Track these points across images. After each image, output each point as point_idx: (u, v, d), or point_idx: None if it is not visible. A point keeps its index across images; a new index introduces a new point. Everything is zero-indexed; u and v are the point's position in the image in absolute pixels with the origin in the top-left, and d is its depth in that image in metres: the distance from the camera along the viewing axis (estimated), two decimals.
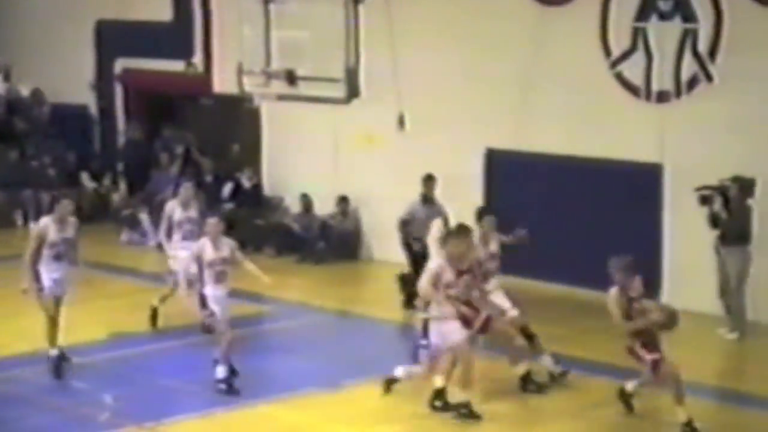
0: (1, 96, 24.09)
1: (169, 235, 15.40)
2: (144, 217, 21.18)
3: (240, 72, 15.96)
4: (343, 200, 19.84)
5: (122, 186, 22.94)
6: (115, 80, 23.38)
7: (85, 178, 23.27)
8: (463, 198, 17.85)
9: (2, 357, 13.83)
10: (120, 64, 23.16)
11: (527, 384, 12.71)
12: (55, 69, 23.53)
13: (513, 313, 12.96)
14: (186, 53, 21.56)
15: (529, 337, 12.99)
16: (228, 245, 13.29)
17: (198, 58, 21.42)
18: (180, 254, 14.84)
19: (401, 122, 18.76)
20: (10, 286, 17.60)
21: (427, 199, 16.75)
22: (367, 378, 13.22)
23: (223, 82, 20.56)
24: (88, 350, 14.33)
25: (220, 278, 13.05)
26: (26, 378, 12.47)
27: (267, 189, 21.23)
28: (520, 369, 12.71)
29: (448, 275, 11.92)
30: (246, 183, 21.11)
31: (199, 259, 12.97)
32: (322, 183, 20.02)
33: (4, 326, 15.16)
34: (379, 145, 19.16)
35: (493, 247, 13.39)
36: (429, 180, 16.88)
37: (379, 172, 19.35)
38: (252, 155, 21.37)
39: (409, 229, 16.59)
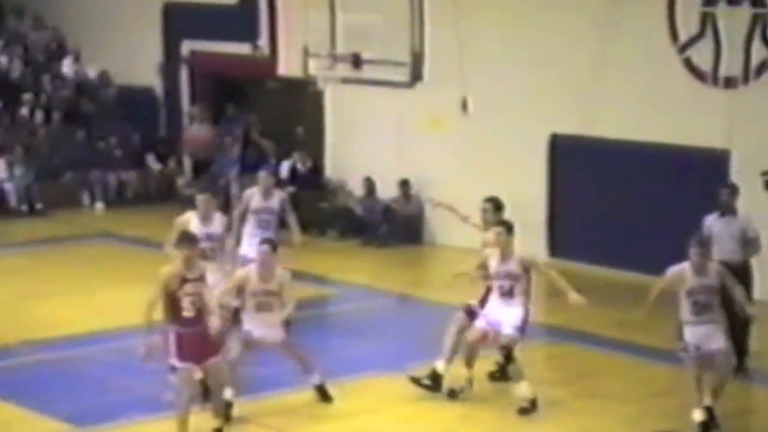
0: (69, 78, 24.35)
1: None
2: None
3: (305, 55, 16.03)
4: (404, 183, 19.86)
5: (187, 167, 23.12)
6: (182, 62, 23.54)
7: (151, 160, 23.48)
8: (525, 184, 17.83)
9: (74, 334, 13.99)
10: (186, 47, 23.31)
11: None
12: (123, 51, 23.74)
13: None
14: (252, 36, 21.66)
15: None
16: None
17: (264, 41, 21.51)
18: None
19: (464, 106, 18.79)
20: (78, 265, 17.91)
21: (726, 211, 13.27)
22: (430, 361, 13.23)
23: (288, 65, 20.63)
24: (156, 330, 14.46)
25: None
26: (96, 356, 12.61)
27: (330, 172, 21.29)
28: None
29: None
30: (300, 166, 21.18)
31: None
32: (385, 166, 20.04)
33: (76, 303, 15.34)
34: (442, 129, 19.16)
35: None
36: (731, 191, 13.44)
37: (443, 156, 19.34)
38: (315, 138, 21.44)
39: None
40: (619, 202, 17.32)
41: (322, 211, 20.49)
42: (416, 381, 12.20)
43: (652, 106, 17.02)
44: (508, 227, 12.02)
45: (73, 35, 25.03)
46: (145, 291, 15.57)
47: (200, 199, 13.19)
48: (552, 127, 18.16)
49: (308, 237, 19.96)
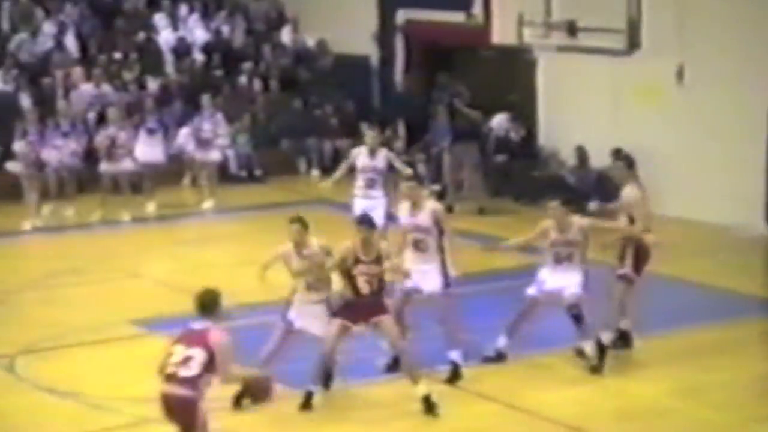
0: (288, 47, 24.87)
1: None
2: (421, 166, 21.48)
3: (520, 23, 15.91)
4: (617, 152, 19.56)
5: (401, 135, 23.33)
6: (397, 31, 23.73)
7: (365, 127, 23.75)
8: (744, 157, 17.35)
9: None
10: (402, 15, 23.48)
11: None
12: (340, 20, 24.08)
13: None
14: (466, 4, 21.65)
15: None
16: None
17: (478, 9, 21.47)
18: (362, 203, 14.45)
19: (680, 75, 18.39)
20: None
21: None
22: (647, 334, 12.98)
23: (502, 34, 20.49)
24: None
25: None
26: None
27: (542, 140, 21.17)
28: None
29: None
30: (514, 135, 21.10)
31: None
32: (598, 136, 19.79)
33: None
34: (658, 99, 18.80)
35: None
36: None
37: (657, 126, 18.98)
38: (527, 107, 21.33)
39: None
40: None
41: (534, 179, 20.39)
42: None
43: None
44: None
45: (292, 4, 25.53)
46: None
47: (407, 186, 12.38)
48: None
49: (519, 205, 20.05)
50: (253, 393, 9.57)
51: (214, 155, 20.45)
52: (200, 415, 8.99)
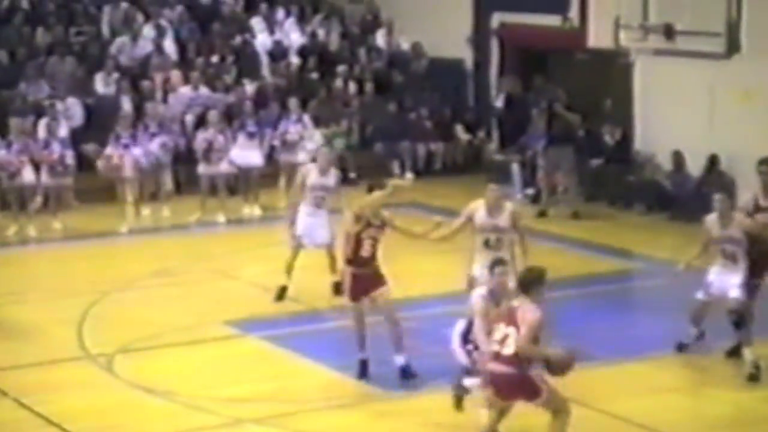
0: (382, 50, 24.94)
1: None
2: (515, 168, 21.41)
3: (617, 26, 15.78)
4: (713, 159, 19.35)
5: (495, 139, 23.28)
6: (492, 34, 23.68)
7: (460, 131, 23.76)
8: None
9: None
10: (497, 19, 23.43)
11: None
12: (434, 23, 24.08)
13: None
14: (562, 7, 21.53)
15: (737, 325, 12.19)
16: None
17: (574, 12, 21.35)
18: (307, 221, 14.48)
19: None
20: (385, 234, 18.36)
21: None
22: (734, 339, 12.89)
23: (598, 37, 20.31)
24: (453, 300, 14.64)
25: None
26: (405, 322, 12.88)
27: (638, 145, 20.98)
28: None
29: None
30: (609, 139, 20.94)
31: None
32: (695, 140, 19.57)
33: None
34: (757, 103, 18.52)
35: None
36: None
37: (755, 131, 18.68)
38: (623, 111, 21.16)
39: None
40: None
41: (629, 184, 20.23)
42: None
43: None
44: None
45: (386, 7, 25.61)
46: (438, 261, 15.86)
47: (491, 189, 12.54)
48: None
49: (614, 210, 19.90)
50: (553, 368, 9.62)
51: (301, 158, 20.60)
52: (538, 384, 9.38)
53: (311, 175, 14.68)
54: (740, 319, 11.98)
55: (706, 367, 12.41)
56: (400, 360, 11.86)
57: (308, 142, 21.16)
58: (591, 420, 11.01)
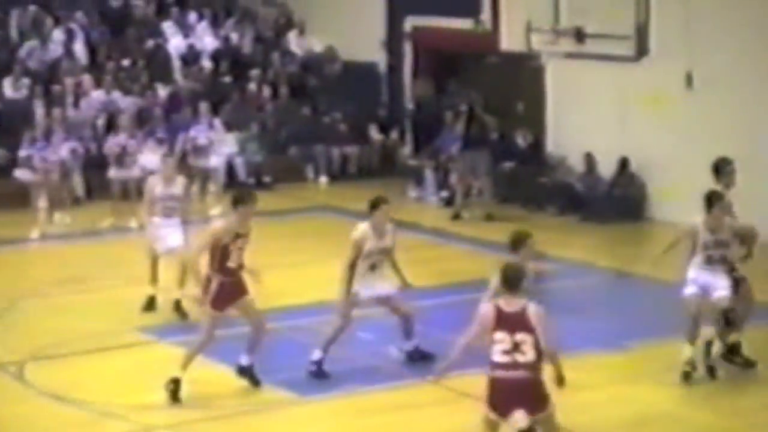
0: (296, 53, 24.89)
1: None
2: (428, 173, 21.50)
3: (528, 29, 15.91)
4: (624, 161, 19.60)
5: (408, 141, 23.35)
6: (405, 38, 23.74)
7: (374, 133, 23.79)
8: (752, 162, 17.27)
9: (294, 305, 14.35)
10: (410, 22, 23.50)
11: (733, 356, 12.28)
12: (348, 26, 24.10)
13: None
14: (474, 11, 21.66)
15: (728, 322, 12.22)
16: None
17: (486, 16, 21.48)
18: (158, 232, 14.17)
19: (689, 81, 18.35)
20: (300, 238, 18.34)
21: None
22: (651, 339, 13.08)
23: (509, 40, 20.49)
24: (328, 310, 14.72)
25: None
26: (316, 327, 12.87)
27: (550, 148, 21.17)
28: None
29: None
30: (521, 142, 21.12)
31: None
32: (606, 143, 19.79)
33: (296, 275, 15.69)
34: (666, 105, 18.78)
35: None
36: None
37: (665, 133, 18.96)
38: (535, 113, 21.34)
39: None
40: None
41: (542, 186, 20.40)
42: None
43: None
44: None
45: (300, 11, 25.57)
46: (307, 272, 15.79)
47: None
48: None
49: (527, 212, 20.05)
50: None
51: (213, 162, 20.47)
52: (549, 395, 8.95)
53: (157, 186, 14.23)
54: (735, 315, 12.00)
55: (619, 365, 12.54)
56: (245, 360, 11.76)
57: (222, 146, 21.06)
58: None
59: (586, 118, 20.24)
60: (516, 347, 8.76)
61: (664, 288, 15.35)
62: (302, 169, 22.88)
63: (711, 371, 12.02)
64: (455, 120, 21.41)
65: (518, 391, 8.80)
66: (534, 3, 17.43)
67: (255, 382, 11.80)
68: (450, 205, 20.46)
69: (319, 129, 23.26)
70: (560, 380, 9.14)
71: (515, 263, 9.39)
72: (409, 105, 23.52)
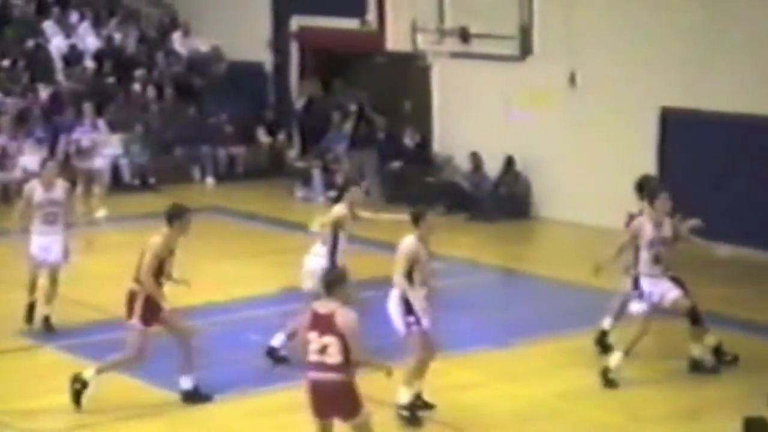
0: (181, 53, 24.68)
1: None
2: (316, 172, 21.48)
3: (414, 29, 15.96)
4: (509, 160, 19.81)
5: (296, 141, 23.30)
6: (291, 38, 23.69)
7: (261, 134, 23.70)
8: (635, 160, 17.59)
9: (182, 307, 14.18)
10: (295, 22, 23.45)
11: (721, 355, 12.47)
12: (233, 26, 23.98)
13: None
14: (360, 11, 21.70)
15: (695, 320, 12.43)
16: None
17: (372, 16, 21.53)
18: (40, 240, 13.70)
19: (572, 80, 18.62)
20: (187, 239, 18.13)
21: None
22: (535, 336, 13.24)
23: (396, 40, 20.56)
24: (261, 303, 14.67)
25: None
26: (204, 329, 12.77)
27: (437, 147, 21.29)
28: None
29: None
30: (408, 142, 21.22)
31: None
32: (492, 141, 19.98)
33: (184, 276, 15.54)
34: (549, 104, 19.02)
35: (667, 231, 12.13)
36: None
37: (550, 131, 19.20)
38: (422, 113, 21.45)
39: None
40: (733, 179, 17.01)
41: (428, 185, 20.50)
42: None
43: (767, 77, 16.65)
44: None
45: (184, 11, 25.35)
46: (251, 265, 15.82)
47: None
48: (662, 100, 17.91)
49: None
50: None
51: (97, 164, 20.20)
52: (360, 401, 8.88)
53: (36, 191, 13.69)
54: (697, 313, 12.10)
55: (505, 362, 12.66)
56: (186, 383, 11.48)
57: (106, 147, 20.78)
58: (390, 419, 11.10)
59: (472, 117, 20.41)
60: (324, 349, 8.81)
61: (549, 286, 15.63)
62: (188, 170, 22.69)
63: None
64: (343, 120, 21.45)
65: (328, 393, 8.84)
66: (419, 3, 17.51)
67: (205, 398, 11.44)
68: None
69: (206, 129, 23.09)
70: (388, 373, 9.28)
71: (336, 269, 9.51)
72: (297, 105, 23.47)
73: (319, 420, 8.97)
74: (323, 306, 8.92)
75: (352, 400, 8.88)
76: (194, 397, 11.46)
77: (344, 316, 8.81)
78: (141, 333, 11.25)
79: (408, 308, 11.01)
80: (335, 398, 8.85)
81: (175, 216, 11.48)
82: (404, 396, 10.99)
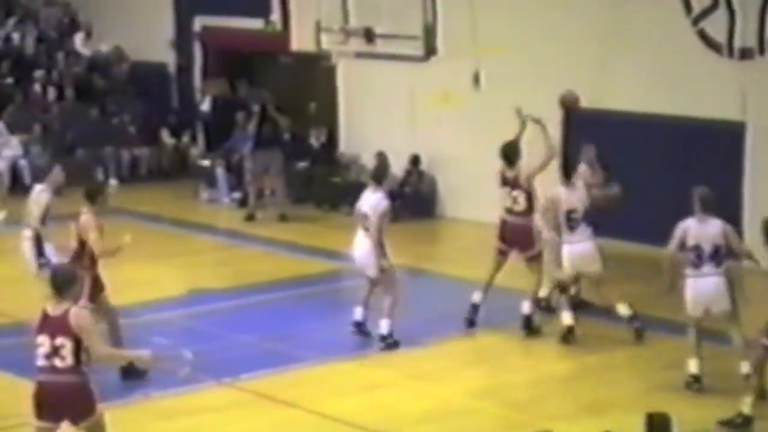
0: (82, 54, 24.34)
1: None
2: (220, 173, 21.32)
3: (318, 30, 15.94)
4: (415, 159, 19.85)
5: (200, 142, 23.11)
6: (194, 38, 23.50)
7: (165, 135, 23.47)
8: (539, 159, 17.74)
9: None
10: (199, 22, 23.27)
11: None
12: (135, 26, 23.71)
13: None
14: (264, 11, 21.60)
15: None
16: None
17: (276, 16, 21.45)
18: None
19: (476, 80, 18.70)
20: None
21: None
22: (444, 335, 13.28)
23: (300, 40, 20.56)
24: (168, 306, 14.52)
25: None
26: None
27: (343, 147, 21.27)
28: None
29: None
30: (314, 142, 21.18)
31: None
32: (398, 141, 19.99)
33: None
34: (454, 104, 19.09)
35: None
36: None
37: (455, 131, 19.28)
38: (328, 113, 21.40)
39: None
40: (633, 176, 17.21)
41: (335, 186, 20.46)
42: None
43: (666, 79, 16.92)
44: None
45: (84, 11, 25.01)
46: (157, 267, 15.65)
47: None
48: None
49: (321, 212, 20.10)
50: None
51: None
52: (96, 402, 8.71)
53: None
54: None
55: (415, 362, 12.67)
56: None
57: (5, 149, 20.40)
58: (301, 421, 11.08)
59: (377, 117, 20.42)
60: (55, 351, 8.63)
61: (457, 285, 15.67)
62: (91, 172, 22.37)
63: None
64: (247, 120, 21.30)
65: (59, 397, 8.67)
66: (324, 4, 17.49)
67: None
68: (243, 206, 20.34)
69: (108, 131, 22.81)
70: (145, 361, 9.59)
71: (64, 269, 9.36)
72: (202, 106, 23.27)
73: (43, 424, 8.74)
74: (54, 307, 8.71)
75: (86, 402, 8.71)
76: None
77: (78, 317, 8.64)
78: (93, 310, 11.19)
79: None
80: (67, 401, 8.66)
81: (98, 192, 12.15)
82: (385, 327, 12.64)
